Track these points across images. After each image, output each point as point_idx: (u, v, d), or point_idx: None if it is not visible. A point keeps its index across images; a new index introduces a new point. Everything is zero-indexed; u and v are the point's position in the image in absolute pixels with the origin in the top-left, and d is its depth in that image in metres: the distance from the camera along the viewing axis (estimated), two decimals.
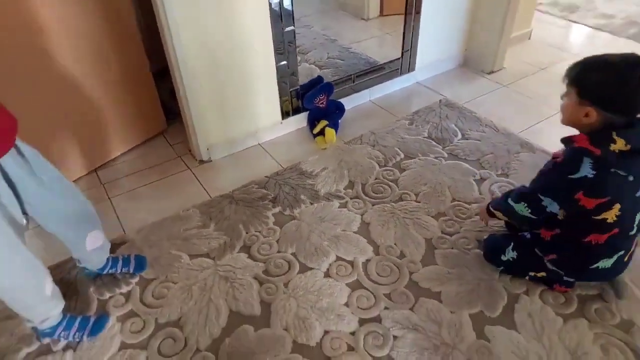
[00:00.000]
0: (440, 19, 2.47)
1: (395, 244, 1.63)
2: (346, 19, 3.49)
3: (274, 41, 1.95)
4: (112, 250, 1.58)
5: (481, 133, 2.19)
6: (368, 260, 1.57)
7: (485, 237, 1.60)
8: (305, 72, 2.59)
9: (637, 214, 1.25)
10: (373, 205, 1.80)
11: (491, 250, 1.53)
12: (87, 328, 1.34)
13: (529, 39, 3.09)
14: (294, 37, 2.02)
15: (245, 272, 1.54)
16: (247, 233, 1.69)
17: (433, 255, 1.58)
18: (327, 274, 1.53)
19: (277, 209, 1.79)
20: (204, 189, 1.92)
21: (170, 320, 1.41)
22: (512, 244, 1.46)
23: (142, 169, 2.04)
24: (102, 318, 1.39)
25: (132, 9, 1.92)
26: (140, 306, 1.45)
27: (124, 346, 1.34)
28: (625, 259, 1.35)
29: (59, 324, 1.32)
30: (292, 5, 1.92)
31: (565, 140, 1.23)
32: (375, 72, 2.50)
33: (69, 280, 1.55)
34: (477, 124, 2.25)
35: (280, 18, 1.92)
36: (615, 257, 1.32)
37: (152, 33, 1.85)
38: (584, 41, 3.20)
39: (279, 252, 1.61)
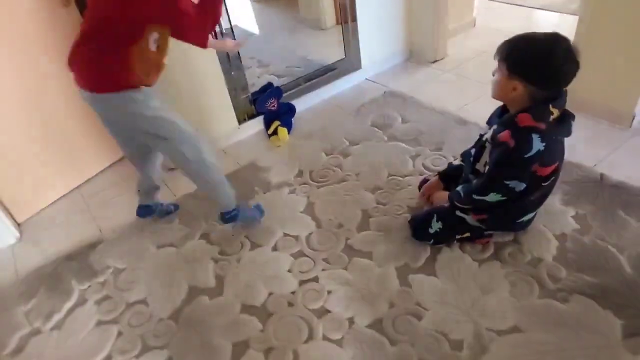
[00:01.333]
0: (378, 20, 2.71)
1: (334, 217, 1.84)
2: (305, 31, 3.76)
3: (219, 57, 2.21)
4: (92, 249, 1.84)
5: (420, 115, 2.40)
6: (311, 234, 1.79)
7: (408, 219, 1.72)
8: (265, 82, 2.84)
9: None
10: (319, 188, 2.02)
11: (418, 228, 1.63)
12: (258, 208, 1.87)
13: (474, 26, 3.32)
14: (238, 53, 2.28)
15: (203, 255, 1.77)
16: (206, 224, 1.93)
17: (368, 223, 1.79)
18: (274, 248, 1.75)
19: None
20: (170, 190, 2.16)
21: (138, 299, 1.64)
22: (434, 215, 1.59)
23: (119, 181, 2.30)
24: (257, 206, 1.88)
25: None
26: (114, 290, 1.69)
27: (99, 323, 1.58)
28: None
29: (236, 206, 1.76)
30: (230, 23, 2.19)
31: (508, 122, 1.32)
32: (325, 73, 2.75)
33: (55, 274, 1.79)
34: (417, 108, 2.47)
35: (221, 35, 2.19)
36: (537, 210, 1.50)
37: None
38: (527, 22, 3.41)
39: (232, 235, 1.84)
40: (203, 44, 1.45)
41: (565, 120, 1.33)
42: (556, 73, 1.23)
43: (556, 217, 1.67)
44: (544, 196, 1.51)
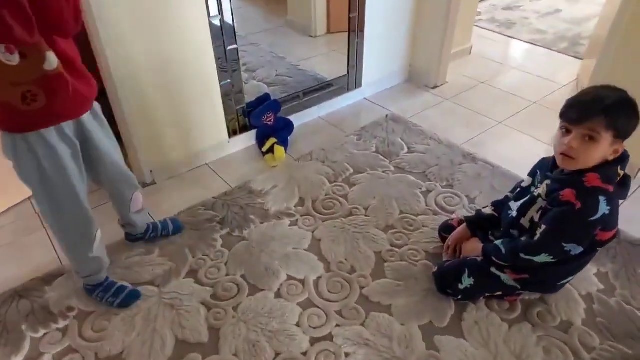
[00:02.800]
0: (384, 37, 2.55)
1: (345, 259, 1.63)
2: (294, 37, 3.53)
3: (216, 59, 1.93)
4: (48, 283, 1.50)
5: (426, 146, 2.26)
6: (319, 278, 1.56)
7: (434, 270, 1.55)
8: (254, 90, 2.58)
9: None
10: (324, 221, 1.80)
11: (446, 282, 1.47)
12: (120, 297, 1.45)
13: (470, 54, 3.25)
14: (237, 54, 2.01)
15: (192, 299, 1.49)
16: (193, 257, 1.64)
17: (383, 268, 1.60)
18: (278, 295, 1.51)
19: (225, 231, 1.75)
20: (148, 213, 1.84)
21: (111, 354, 1.33)
22: (466, 270, 1.42)
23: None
24: (135, 292, 1.48)
25: None
26: (79, 341, 1.37)
27: None
28: None
29: (99, 284, 1.44)
30: (233, 20, 1.91)
31: (571, 181, 1.21)
32: (323, 89, 2.54)
33: None
34: (422, 138, 2.32)
35: (222, 35, 1.91)
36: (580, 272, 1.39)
37: (89, 50, 1.79)
38: (521, 55, 3.40)
39: (227, 275, 1.58)
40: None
41: (627, 182, 1.23)
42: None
43: (580, 275, 1.58)
44: (589, 261, 1.40)
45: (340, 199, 1.92)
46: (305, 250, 1.67)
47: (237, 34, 1.96)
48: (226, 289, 1.52)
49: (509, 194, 1.53)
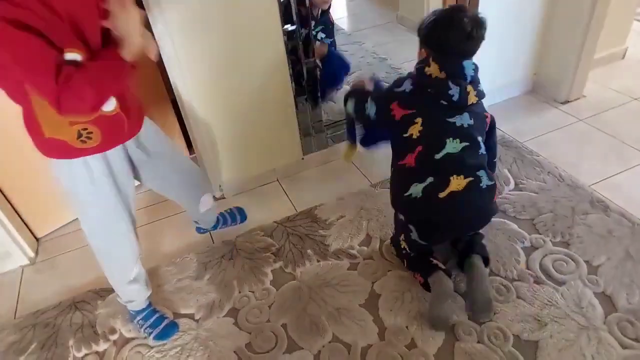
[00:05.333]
0: (504, 38, 2.08)
1: (407, 327, 1.34)
2: (402, 35, 3.18)
3: (292, 75, 1.75)
4: (102, 298, 1.53)
5: (540, 183, 1.79)
6: (369, 346, 1.30)
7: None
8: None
9: (447, 140, 1.26)
10: (389, 270, 1.52)
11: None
12: (158, 329, 1.39)
13: (622, 58, 2.55)
14: (315, 71, 1.80)
15: (227, 343, 1.36)
16: (239, 292, 1.51)
17: (453, 349, 1.27)
18: (317, 358, 1.29)
19: (278, 264, 1.59)
20: (209, 233, 1.77)
21: None
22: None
23: (151, 204, 1.95)
24: (172, 325, 1.42)
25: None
26: None
27: None
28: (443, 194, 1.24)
29: (140, 311, 1.41)
30: (310, 36, 1.70)
31: None
32: None
33: (54, 326, 1.48)
34: (538, 171, 1.85)
35: (297, 51, 1.71)
36: (426, 183, 1.26)
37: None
38: None
39: (268, 321, 1.41)
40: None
41: (448, 82, 1.27)
42: (440, 36, 1.29)
43: None
44: (424, 161, 1.29)
45: None
46: (360, 305, 1.42)
47: (341, 31, 1.77)
48: (264, 339, 1.36)
49: None
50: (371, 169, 1.98)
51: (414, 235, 1.35)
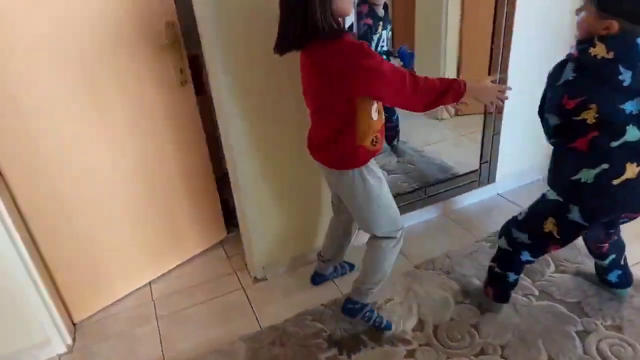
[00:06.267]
0: (528, 121, 2.23)
1: None
2: (418, 119, 3.37)
3: None
4: None
5: (578, 265, 1.83)
6: None
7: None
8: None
9: (627, 127, 1.17)
10: (447, 358, 1.50)
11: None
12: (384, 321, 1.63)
13: None
14: None
15: None
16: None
17: None
18: None
19: (332, 352, 1.55)
20: (255, 316, 1.74)
21: None
22: (512, 229, 1.51)
23: (194, 284, 1.94)
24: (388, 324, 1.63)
25: (197, 114, 1.91)
26: None
27: None
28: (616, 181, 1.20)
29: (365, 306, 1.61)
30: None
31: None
32: (450, 182, 2.29)
33: None
34: (576, 252, 1.90)
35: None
36: (598, 170, 1.21)
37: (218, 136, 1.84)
38: None
39: None
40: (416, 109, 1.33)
41: (619, 65, 1.16)
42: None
43: None
44: (598, 147, 1.22)
45: (469, 327, 1.60)
46: None
47: None
48: None
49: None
50: (411, 249, 2.01)
51: (574, 215, 1.31)
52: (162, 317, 1.78)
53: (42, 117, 1.50)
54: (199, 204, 2.02)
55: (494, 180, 2.33)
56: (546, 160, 1.47)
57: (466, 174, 2.31)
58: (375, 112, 1.33)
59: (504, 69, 2.05)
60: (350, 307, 1.59)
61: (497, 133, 2.22)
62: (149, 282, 1.97)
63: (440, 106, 1.34)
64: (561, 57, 1.23)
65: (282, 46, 1.25)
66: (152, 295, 1.91)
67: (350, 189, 1.43)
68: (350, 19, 1.60)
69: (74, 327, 1.77)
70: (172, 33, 1.70)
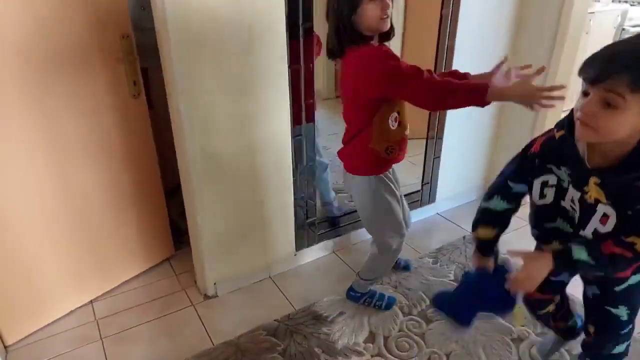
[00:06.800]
0: (464, 147, 2.44)
1: None
2: None
3: (294, 172, 1.90)
4: None
5: None
6: None
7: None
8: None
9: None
10: None
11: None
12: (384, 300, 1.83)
13: None
14: (313, 168, 1.97)
15: None
16: None
17: None
18: None
19: None
20: (207, 332, 1.72)
21: None
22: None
23: (141, 302, 1.87)
24: (392, 299, 1.85)
25: (149, 127, 1.87)
26: None
27: None
28: None
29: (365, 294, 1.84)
30: (314, 138, 1.90)
31: None
32: None
33: None
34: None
35: (302, 152, 1.89)
36: None
37: (166, 149, 1.81)
38: None
39: None
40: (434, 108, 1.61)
41: None
42: None
43: None
44: None
45: (415, 337, 1.70)
46: None
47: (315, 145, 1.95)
48: None
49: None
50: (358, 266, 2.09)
51: None
52: (108, 337, 1.69)
53: None
54: (147, 219, 1.97)
55: (434, 200, 2.50)
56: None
57: (409, 194, 2.46)
58: (394, 121, 1.44)
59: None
60: (352, 295, 1.84)
61: (437, 157, 2.41)
62: (91, 301, 1.86)
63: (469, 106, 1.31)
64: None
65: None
66: (94, 314, 1.80)
67: (358, 196, 1.61)
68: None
69: (5, 350, 1.62)
70: (128, 45, 1.69)
